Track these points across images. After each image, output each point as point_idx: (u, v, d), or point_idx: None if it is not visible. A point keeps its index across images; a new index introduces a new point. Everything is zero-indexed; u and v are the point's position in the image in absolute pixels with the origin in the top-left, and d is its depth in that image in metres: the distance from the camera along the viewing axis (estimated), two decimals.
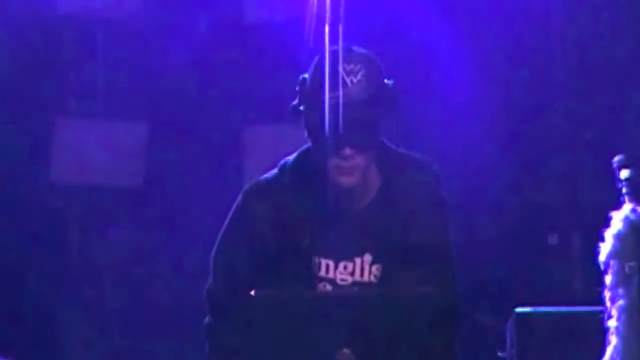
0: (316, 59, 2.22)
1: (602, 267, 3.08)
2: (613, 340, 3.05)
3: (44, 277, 4.72)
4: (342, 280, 2.28)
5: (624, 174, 3.00)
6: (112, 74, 4.59)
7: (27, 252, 4.68)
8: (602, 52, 4.83)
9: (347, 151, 2.15)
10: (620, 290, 3.03)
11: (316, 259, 2.26)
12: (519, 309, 3.62)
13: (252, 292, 2.02)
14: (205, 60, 4.53)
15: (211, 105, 4.56)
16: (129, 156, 4.53)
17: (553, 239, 4.72)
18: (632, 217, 3.02)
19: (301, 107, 2.24)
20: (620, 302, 3.03)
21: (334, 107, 2.12)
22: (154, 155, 4.55)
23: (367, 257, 2.27)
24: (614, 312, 3.05)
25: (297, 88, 2.26)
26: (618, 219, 3.03)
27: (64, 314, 4.72)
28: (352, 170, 2.17)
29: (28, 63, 4.60)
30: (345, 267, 2.27)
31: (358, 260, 2.27)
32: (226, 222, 2.38)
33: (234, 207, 2.38)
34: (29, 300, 4.71)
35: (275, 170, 2.36)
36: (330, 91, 2.14)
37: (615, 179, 3.03)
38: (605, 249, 3.05)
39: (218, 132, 4.54)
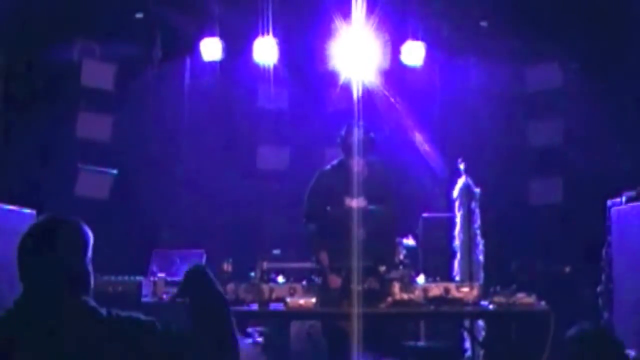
0: (346, 126, 6.61)
1: (454, 198, 7.59)
2: (458, 226, 7.63)
3: None
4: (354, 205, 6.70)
5: (462, 165, 7.42)
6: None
7: None
8: None
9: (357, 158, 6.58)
10: (460, 207, 7.59)
11: (344, 198, 6.70)
12: (425, 214, 8.14)
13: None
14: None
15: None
16: None
17: None
18: (466, 181, 7.52)
19: (340, 142, 6.64)
20: (461, 211, 7.59)
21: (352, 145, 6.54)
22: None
23: (362, 198, 6.68)
24: (458, 217, 7.61)
25: (341, 135, 6.65)
26: (461, 182, 7.55)
27: None
28: (359, 165, 6.63)
29: None
30: (354, 201, 6.67)
31: (360, 198, 6.69)
32: (310, 184, 6.78)
33: (314, 177, 6.77)
34: None
35: (329, 165, 6.78)
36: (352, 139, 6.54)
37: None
38: (455, 193, 7.60)
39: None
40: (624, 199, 6.62)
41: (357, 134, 6.44)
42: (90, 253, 2.79)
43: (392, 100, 8.86)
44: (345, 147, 6.60)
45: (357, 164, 6.48)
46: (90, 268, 2.80)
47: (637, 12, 8.21)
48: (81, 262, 2.77)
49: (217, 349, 2.83)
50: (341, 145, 6.65)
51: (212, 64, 9.30)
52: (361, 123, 6.51)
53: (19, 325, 2.70)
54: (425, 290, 6.15)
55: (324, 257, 6.44)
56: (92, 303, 2.77)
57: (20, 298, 2.77)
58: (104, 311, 2.77)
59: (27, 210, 5.73)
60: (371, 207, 6.44)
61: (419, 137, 9.05)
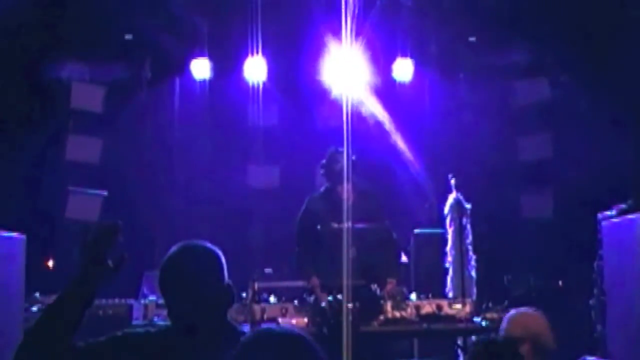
0: (328, 154, 6.64)
1: (445, 213, 7.59)
2: (450, 242, 7.65)
3: None
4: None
5: (453, 181, 7.45)
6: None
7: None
8: None
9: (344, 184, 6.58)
10: (451, 223, 7.60)
11: (331, 223, 6.65)
12: (416, 230, 8.13)
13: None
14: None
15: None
16: None
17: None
18: (457, 196, 7.54)
19: (324, 171, 6.66)
20: (452, 227, 7.61)
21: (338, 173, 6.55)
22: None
23: (349, 223, 6.67)
24: (450, 233, 7.63)
25: (323, 162, 6.68)
26: (451, 197, 7.56)
27: None
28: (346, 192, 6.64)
29: None
30: (340, 225, 6.64)
31: (349, 222, 6.69)
32: (301, 211, 6.78)
33: (304, 204, 6.77)
34: None
35: (317, 192, 6.79)
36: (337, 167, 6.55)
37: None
38: (446, 209, 7.61)
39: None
40: (614, 211, 6.61)
41: (342, 161, 6.47)
42: (226, 272, 2.92)
43: (382, 117, 8.88)
44: (330, 175, 6.67)
45: (344, 191, 6.47)
46: (230, 285, 2.93)
47: (625, 25, 8.26)
48: (221, 283, 2.90)
49: None
50: (326, 174, 6.74)
51: (201, 83, 9.31)
52: (342, 149, 6.52)
53: (171, 341, 2.86)
54: (417, 307, 6.15)
55: (314, 281, 6.44)
56: (237, 326, 3.00)
57: (171, 319, 2.92)
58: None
59: (16, 235, 5.68)
60: (360, 225, 6.42)
61: (409, 154, 9.05)
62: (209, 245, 2.94)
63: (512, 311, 4.04)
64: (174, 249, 2.91)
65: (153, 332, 2.94)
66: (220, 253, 2.92)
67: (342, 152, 6.43)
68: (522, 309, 4.29)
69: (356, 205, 6.47)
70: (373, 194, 6.81)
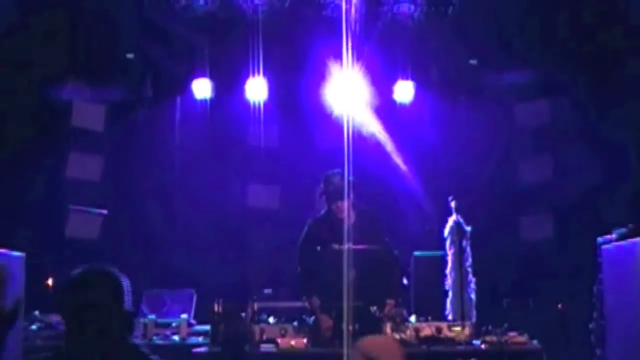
0: (324, 178, 6.66)
1: (445, 236, 7.58)
2: (450, 265, 7.63)
3: None
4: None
5: (453, 203, 7.42)
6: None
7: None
8: None
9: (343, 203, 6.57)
10: (451, 245, 7.57)
11: (332, 244, 6.68)
12: (416, 252, 8.14)
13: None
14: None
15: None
16: None
17: None
18: (457, 219, 7.53)
19: (321, 193, 6.68)
20: (452, 250, 7.58)
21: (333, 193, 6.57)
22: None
23: (350, 244, 6.68)
24: (450, 256, 7.60)
25: (321, 185, 6.69)
26: (451, 220, 7.54)
27: None
28: (345, 210, 6.64)
29: None
30: (340, 246, 6.67)
31: (349, 244, 6.69)
32: (302, 233, 6.79)
33: (305, 227, 6.78)
34: None
35: (319, 214, 6.81)
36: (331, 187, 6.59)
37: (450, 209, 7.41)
38: (446, 231, 7.58)
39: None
40: (614, 236, 6.61)
41: (335, 181, 6.53)
42: (128, 298, 2.92)
43: (383, 138, 8.90)
44: (326, 196, 6.71)
45: (343, 209, 6.53)
46: (131, 312, 2.94)
47: (624, 48, 8.36)
48: (120, 310, 2.89)
49: None
50: (323, 196, 6.77)
51: (202, 103, 9.33)
52: (336, 171, 6.55)
53: None
54: (417, 329, 6.14)
55: (315, 302, 6.44)
56: (143, 349, 2.97)
57: (67, 341, 2.89)
58: (155, 358, 2.96)
59: (16, 253, 5.68)
60: (360, 246, 6.42)
61: (409, 175, 9.07)
62: (112, 270, 2.93)
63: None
64: (75, 271, 2.91)
65: (50, 356, 2.91)
66: (123, 279, 2.92)
67: (335, 174, 6.54)
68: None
69: (356, 226, 6.49)
70: (372, 214, 6.83)
